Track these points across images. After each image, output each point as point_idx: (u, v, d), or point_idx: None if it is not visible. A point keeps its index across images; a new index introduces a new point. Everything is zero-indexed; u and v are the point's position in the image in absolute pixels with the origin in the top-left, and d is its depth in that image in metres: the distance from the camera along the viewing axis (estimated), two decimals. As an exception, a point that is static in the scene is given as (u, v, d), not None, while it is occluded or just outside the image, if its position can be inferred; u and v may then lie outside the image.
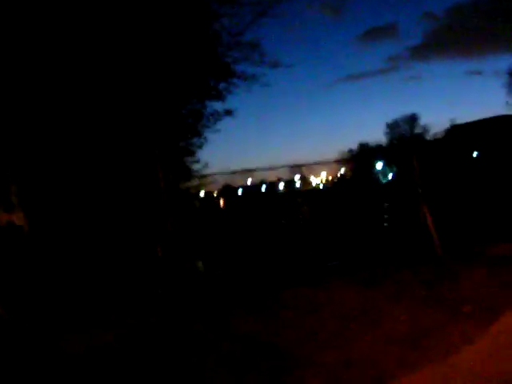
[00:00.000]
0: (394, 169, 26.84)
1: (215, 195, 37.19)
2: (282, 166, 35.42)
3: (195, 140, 18.97)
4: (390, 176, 26.85)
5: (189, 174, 21.14)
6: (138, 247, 12.04)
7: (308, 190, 38.06)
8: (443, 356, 6.16)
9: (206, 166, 22.31)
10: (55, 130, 11.46)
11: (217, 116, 16.89)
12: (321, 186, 38.55)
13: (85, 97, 11.58)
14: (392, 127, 30.98)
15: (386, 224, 19.13)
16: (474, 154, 27.15)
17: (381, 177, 26.88)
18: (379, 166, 27.30)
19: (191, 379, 6.43)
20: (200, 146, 19.28)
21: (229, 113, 17.02)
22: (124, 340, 8.15)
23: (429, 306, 8.30)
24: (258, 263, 13.78)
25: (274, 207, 31.94)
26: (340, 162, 33.55)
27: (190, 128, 16.88)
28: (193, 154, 20.26)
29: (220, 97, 16.32)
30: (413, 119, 30.65)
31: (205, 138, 18.66)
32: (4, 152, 10.87)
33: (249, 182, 41.27)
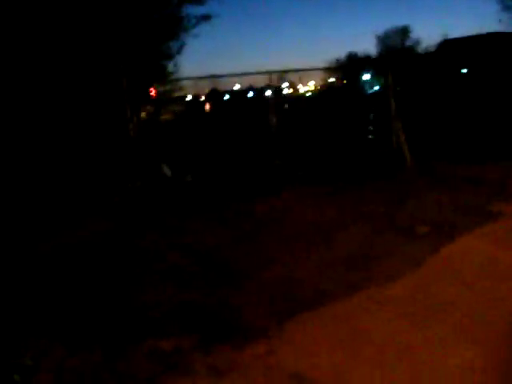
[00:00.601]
0: (382, 80, 26.31)
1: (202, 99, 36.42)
2: (270, 72, 34.19)
3: (173, 44, 18.26)
4: (377, 87, 26.38)
5: (165, 77, 20.44)
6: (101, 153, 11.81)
7: (294, 96, 37.56)
8: (383, 281, 6.07)
9: (177, 69, 21.46)
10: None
11: (194, 20, 16.19)
12: (308, 94, 37.96)
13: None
14: (382, 39, 30.08)
15: (370, 136, 18.92)
16: (463, 71, 26.58)
17: (368, 88, 26.42)
18: (366, 76, 26.79)
19: (130, 289, 6.36)
20: (178, 52, 18.55)
21: (206, 18, 16.31)
22: (70, 248, 8.07)
23: (384, 225, 8.22)
24: (233, 171, 13.60)
25: (259, 112, 31.41)
26: (327, 70, 32.79)
27: (165, 33, 16.18)
28: (170, 57, 19.54)
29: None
30: (404, 31, 29.70)
31: (183, 42, 17.95)
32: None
33: (237, 87, 40.35)
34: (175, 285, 6.41)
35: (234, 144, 17.32)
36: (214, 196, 11.07)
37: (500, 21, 24.55)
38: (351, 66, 29.41)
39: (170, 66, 22.49)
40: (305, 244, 7.64)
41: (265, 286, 6.20)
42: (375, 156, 13.41)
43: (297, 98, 36.95)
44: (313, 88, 37.93)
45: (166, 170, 12.49)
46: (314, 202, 10.11)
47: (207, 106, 36.46)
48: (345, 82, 29.46)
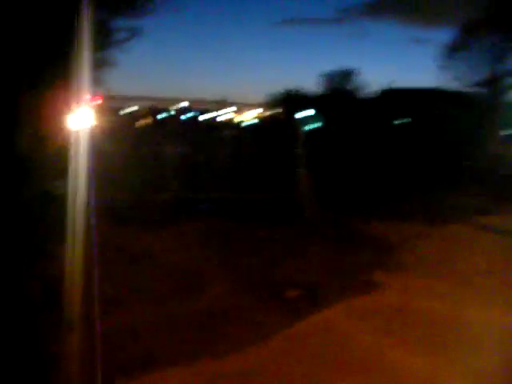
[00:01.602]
0: (316, 120, 26.10)
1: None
2: (211, 102, 34.14)
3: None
4: (310, 126, 26.10)
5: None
6: None
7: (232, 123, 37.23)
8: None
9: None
10: None
11: (123, 34, 15.43)
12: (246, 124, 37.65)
13: None
14: (326, 78, 29.93)
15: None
16: (395, 122, 26.55)
17: (305, 125, 26.13)
18: (303, 113, 26.51)
19: None
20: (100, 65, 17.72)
21: (135, 32, 15.57)
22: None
23: (253, 284, 7.60)
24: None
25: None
26: (265, 104, 32.42)
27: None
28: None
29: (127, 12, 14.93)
30: (348, 74, 29.59)
31: (110, 56, 17.13)
32: None
33: (175, 107, 39.82)
34: None
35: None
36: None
37: (438, 78, 24.81)
38: (288, 102, 29.05)
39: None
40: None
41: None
42: (279, 200, 12.89)
43: (234, 126, 36.56)
44: (250, 118, 37.61)
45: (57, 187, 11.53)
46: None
47: (142, 122, 35.86)
48: (280, 117, 29.17)
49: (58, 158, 12.43)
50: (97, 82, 19.62)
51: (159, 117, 37.82)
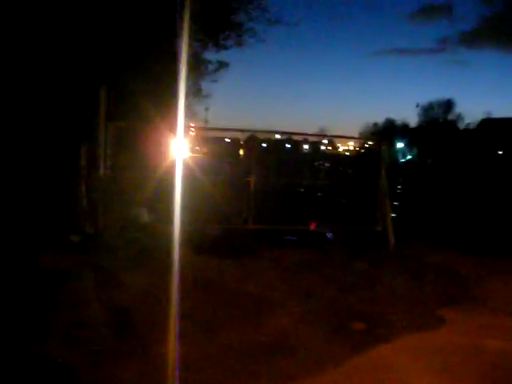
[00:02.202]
0: (414, 151, 25.78)
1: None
2: (310, 134, 34.49)
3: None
4: (408, 157, 25.77)
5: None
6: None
7: (332, 154, 37.45)
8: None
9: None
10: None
11: (212, 65, 16.16)
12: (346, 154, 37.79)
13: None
14: (426, 109, 29.34)
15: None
16: (499, 152, 25.73)
17: (400, 156, 25.82)
18: (400, 145, 26.27)
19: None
20: (195, 94, 18.47)
21: (224, 65, 16.27)
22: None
23: (320, 311, 7.62)
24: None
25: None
26: (363, 134, 32.53)
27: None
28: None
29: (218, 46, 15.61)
30: (448, 105, 28.84)
31: (200, 88, 17.87)
32: None
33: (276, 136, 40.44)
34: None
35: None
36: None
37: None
38: (387, 132, 28.91)
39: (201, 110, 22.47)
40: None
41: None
42: (364, 231, 12.78)
43: (334, 156, 36.75)
44: (351, 149, 37.67)
45: (143, 216, 12.05)
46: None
47: (242, 151, 36.38)
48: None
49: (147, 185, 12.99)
50: (194, 113, 20.37)
51: (258, 146, 38.60)
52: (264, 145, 39.06)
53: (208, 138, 33.61)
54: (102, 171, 11.13)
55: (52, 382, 5.23)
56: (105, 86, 11.22)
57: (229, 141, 39.27)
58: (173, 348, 5.89)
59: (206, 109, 21.31)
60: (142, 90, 13.06)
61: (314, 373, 5.78)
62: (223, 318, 7.15)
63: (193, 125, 23.90)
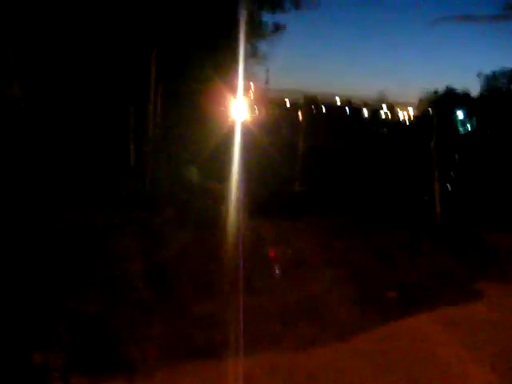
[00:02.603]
0: (474, 121, 25.08)
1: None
2: (372, 98, 34.09)
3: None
4: (468, 128, 25.11)
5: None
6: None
7: (393, 122, 36.81)
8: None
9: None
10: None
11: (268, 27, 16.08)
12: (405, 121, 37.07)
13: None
14: (488, 79, 28.48)
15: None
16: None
17: (460, 126, 25.18)
18: (460, 114, 25.58)
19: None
20: (253, 55, 18.36)
21: (281, 27, 16.16)
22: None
23: (359, 281, 7.67)
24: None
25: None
26: (422, 101, 31.55)
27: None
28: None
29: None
30: (509, 74, 27.91)
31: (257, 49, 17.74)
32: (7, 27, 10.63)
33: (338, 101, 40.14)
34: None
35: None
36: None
37: None
38: (447, 101, 28.04)
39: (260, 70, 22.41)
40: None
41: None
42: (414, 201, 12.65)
43: (394, 123, 36.09)
44: (412, 114, 36.90)
45: (193, 175, 12.26)
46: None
47: (300, 114, 36.18)
48: (439, 115, 28.19)
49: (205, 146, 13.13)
50: (252, 75, 20.39)
51: (318, 110, 38.30)
52: (323, 109, 38.94)
53: (268, 99, 33.63)
54: (151, 129, 11.36)
55: (87, 338, 5.46)
56: (155, 48, 11.36)
57: (288, 103, 39.29)
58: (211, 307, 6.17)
59: (267, 70, 21.08)
60: (196, 51, 13.15)
61: (339, 338, 5.89)
62: (257, 282, 7.30)
63: (252, 85, 23.89)
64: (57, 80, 11.28)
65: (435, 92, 28.24)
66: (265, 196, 11.90)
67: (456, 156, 19.09)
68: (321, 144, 20.53)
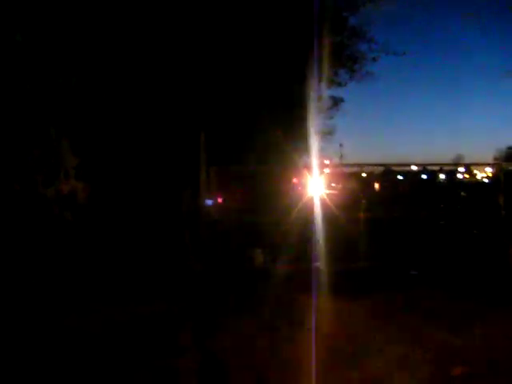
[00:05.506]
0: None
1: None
2: (446, 164, 34.29)
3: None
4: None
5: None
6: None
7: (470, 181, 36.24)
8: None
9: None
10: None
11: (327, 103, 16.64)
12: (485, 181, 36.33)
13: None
14: None
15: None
16: None
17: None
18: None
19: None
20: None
21: (339, 100, 16.77)
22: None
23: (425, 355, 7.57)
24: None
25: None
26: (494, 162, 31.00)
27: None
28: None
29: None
30: None
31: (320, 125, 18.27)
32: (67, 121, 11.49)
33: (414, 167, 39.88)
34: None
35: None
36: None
37: None
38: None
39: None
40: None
41: None
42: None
43: (473, 184, 35.39)
44: (490, 175, 36.16)
45: (257, 255, 12.44)
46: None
47: (377, 185, 36.35)
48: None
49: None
50: (320, 151, 20.86)
51: (395, 179, 38.09)
52: (400, 177, 38.85)
53: (343, 174, 33.93)
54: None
55: None
56: (203, 132, 11.89)
57: (365, 175, 39.45)
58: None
59: (341, 145, 21.59)
60: (259, 132, 13.77)
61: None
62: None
63: (327, 162, 24.41)
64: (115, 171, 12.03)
65: (509, 148, 27.85)
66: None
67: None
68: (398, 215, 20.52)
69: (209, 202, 12.07)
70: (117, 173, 12.34)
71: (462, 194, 31.62)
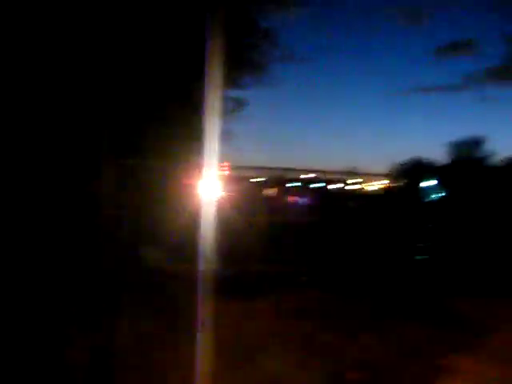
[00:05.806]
0: (442, 190, 25.40)
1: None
2: (339, 172, 35.26)
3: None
4: (434, 196, 25.40)
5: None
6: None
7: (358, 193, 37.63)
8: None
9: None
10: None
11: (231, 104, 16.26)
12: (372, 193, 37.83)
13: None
14: (452, 147, 29.08)
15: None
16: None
17: (426, 195, 25.49)
18: (427, 183, 25.99)
19: None
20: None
21: (242, 103, 16.39)
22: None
23: (319, 359, 7.29)
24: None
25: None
26: (389, 174, 32.12)
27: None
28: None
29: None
30: (475, 142, 28.54)
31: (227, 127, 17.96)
32: None
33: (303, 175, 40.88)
34: None
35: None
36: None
37: None
38: (413, 171, 28.57)
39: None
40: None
41: None
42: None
43: (360, 195, 36.59)
44: (377, 188, 37.66)
45: (150, 254, 11.90)
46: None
47: (270, 191, 36.63)
48: (406, 186, 28.58)
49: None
50: (220, 152, 20.42)
51: (287, 186, 38.51)
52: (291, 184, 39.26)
53: (240, 177, 34.00)
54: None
55: None
56: (107, 128, 11.24)
57: (259, 180, 39.58)
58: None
59: (239, 148, 21.40)
60: (155, 128, 13.14)
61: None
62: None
63: (225, 164, 24.11)
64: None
65: (402, 164, 28.84)
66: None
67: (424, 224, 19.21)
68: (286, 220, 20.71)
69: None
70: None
71: (351, 204, 32.41)
